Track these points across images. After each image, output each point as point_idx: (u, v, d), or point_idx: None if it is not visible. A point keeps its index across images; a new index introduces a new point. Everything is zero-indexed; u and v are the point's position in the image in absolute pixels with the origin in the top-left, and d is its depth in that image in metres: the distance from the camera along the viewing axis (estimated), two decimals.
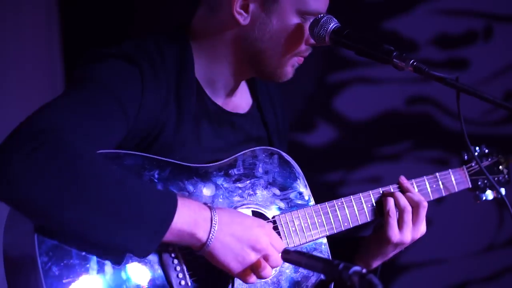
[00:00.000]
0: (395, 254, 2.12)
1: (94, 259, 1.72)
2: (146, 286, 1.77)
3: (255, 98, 2.16)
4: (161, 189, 1.82)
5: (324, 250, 2.02)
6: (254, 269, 1.81)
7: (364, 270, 1.55)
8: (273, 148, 2.03)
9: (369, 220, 2.09)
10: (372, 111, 3.63)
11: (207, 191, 1.89)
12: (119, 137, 1.81)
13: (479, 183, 2.30)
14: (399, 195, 2.08)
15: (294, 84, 3.45)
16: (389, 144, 3.65)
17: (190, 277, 1.82)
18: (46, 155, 1.61)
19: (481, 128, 3.56)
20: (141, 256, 1.73)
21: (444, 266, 3.65)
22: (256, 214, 1.95)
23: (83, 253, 1.71)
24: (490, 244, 3.63)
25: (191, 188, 1.87)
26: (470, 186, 2.29)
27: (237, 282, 1.86)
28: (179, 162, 1.87)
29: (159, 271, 1.79)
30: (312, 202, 2.03)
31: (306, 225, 1.98)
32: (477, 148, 2.32)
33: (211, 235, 1.75)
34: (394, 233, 2.04)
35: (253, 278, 1.81)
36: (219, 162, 1.94)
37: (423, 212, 2.07)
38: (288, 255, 1.80)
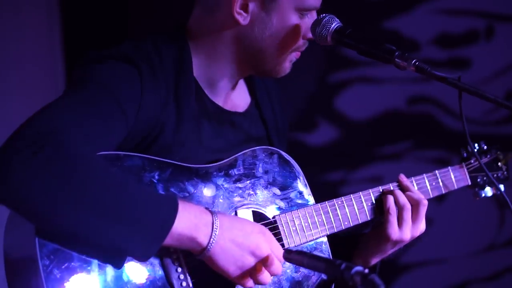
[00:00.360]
0: (394, 251, 2.13)
1: (95, 261, 1.71)
2: (147, 287, 1.77)
3: (254, 96, 2.16)
4: (162, 193, 1.82)
5: (324, 249, 2.02)
6: (253, 275, 1.80)
7: (366, 270, 1.55)
8: (273, 148, 2.03)
9: (369, 218, 2.09)
10: (373, 110, 3.62)
11: (207, 191, 1.89)
12: (119, 138, 1.80)
13: (479, 180, 2.30)
14: (399, 193, 2.08)
15: (296, 84, 3.47)
16: (390, 144, 3.65)
17: (191, 278, 1.81)
18: (47, 158, 1.60)
19: (482, 128, 3.56)
20: (141, 260, 1.72)
21: (444, 266, 3.65)
22: (257, 214, 1.95)
23: (84, 256, 1.70)
24: (490, 244, 3.63)
25: (191, 189, 1.87)
26: (470, 183, 2.30)
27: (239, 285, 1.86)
28: (179, 163, 1.87)
29: (160, 273, 1.78)
30: (312, 201, 2.03)
31: (306, 224, 1.98)
32: (476, 145, 2.32)
33: (211, 239, 1.75)
34: (394, 231, 2.05)
35: (251, 284, 1.81)
36: (219, 163, 1.94)
37: (423, 210, 2.07)
38: (289, 255, 1.79)
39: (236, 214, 1.91)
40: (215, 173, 1.91)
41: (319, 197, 2.05)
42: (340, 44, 1.98)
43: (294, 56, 2.02)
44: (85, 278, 1.69)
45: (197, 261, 1.81)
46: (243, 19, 1.95)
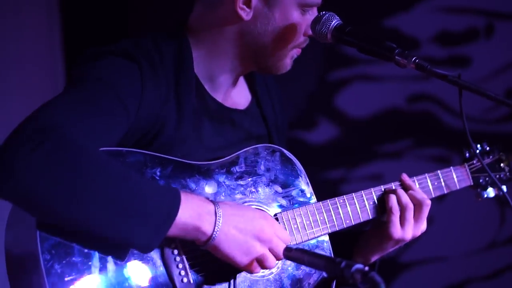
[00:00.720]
0: (394, 249, 2.13)
1: (96, 256, 1.71)
2: (148, 284, 1.77)
3: (254, 94, 2.16)
4: (164, 185, 1.82)
5: (326, 248, 2.02)
6: (259, 260, 1.81)
7: (366, 268, 1.55)
8: (275, 146, 2.03)
9: (370, 217, 2.09)
10: (373, 108, 3.62)
11: (209, 188, 1.89)
12: (120, 133, 1.80)
13: (481, 180, 2.30)
14: (401, 192, 2.07)
15: (296, 82, 3.47)
16: (390, 142, 3.65)
17: (193, 274, 1.82)
18: (48, 152, 1.61)
19: (482, 126, 3.56)
20: (145, 251, 1.73)
21: (445, 264, 3.65)
22: None
23: (86, 251, 1.70)
24: (491, 242, 3.63)
25: (193, 185, 1.87)
26: (472, 183, 2.29)
27: (239, 279, 1.86)
28: (181, 160, 1.87)
29: (161, 268, 1.79)
30: (314, 199, 2.03)
31: (308, 222, 1.98)
32: (478, 145, 2.32)
33: (216, 228, 1.75)
34: (396, 230, 2.05)
35: (257, 269, 1.82)
36: (221, 160, 1.94)
37: (426, 210, 2.07)
38: (290, 253, 1.80)
39: None
40: (216, 170, 1.91)
41: (320, 195, 2.05)
42: (340, 41, 1.98)
43: (295, 52, 2.03)
44: (86, 273, 1.69)
45: (198, 256, 1.82)
46: (246, 14, 1.95)
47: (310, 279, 1.98)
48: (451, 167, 2.25)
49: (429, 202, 2.08)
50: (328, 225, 2.01)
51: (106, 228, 1.66)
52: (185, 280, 1.81)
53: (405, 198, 2.07)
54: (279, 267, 1.94)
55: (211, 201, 1.79)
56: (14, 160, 1.59)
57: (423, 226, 2.08)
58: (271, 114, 2.18)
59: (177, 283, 1.80)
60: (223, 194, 1.90)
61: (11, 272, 1.73)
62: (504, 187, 2.29)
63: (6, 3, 3.41)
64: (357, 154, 3.65)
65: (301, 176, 2.03)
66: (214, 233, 1.76)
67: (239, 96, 2.12)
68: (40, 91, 3.54)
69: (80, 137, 1.67)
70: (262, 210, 1.94)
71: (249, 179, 1.95)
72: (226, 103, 2.06)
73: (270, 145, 2.03)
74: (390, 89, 3.60)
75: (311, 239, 1.99)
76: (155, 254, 1.78)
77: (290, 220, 1.96)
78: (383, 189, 2.10)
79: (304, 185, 2.02)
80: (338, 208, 2.03)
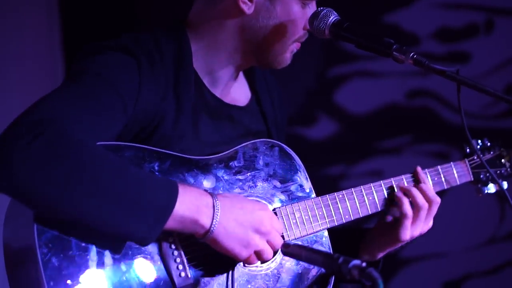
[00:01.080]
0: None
1: (94, 250, 1.71)
2: (146, 278, 1.77)
3: (254, 92, 2.16)
4: (162, 177, 1.82)
5: (325, 243, 2.02)
6: (258, 252, 1.82)
7: (363, 264, 1.55)
8: (274, 141, 2.03)
9: (370, 212, 2.09)
10: (372, 104, 3.63)
11: (207, 183, 1.89)
12: (118, 128, 1.81)
13: (481, 176, 2.30)
14: (416, 192, 2.06)
15: (295, 78, 3.47)
16: (389, 138, 3.65)
17: (190, 268, 1.82)
18: (45, 144, 1.61)
19: (481, 122, 3.56)
20: (142, 244, 1.73)
21: (445, 260, 3.65)
22: None
23: (83, 244, 1.71)
24: (491, 238, 3.63)
25: (191, 180, 1.87)
26: (472, 179, 2.29)
27: (237, 273, 1.87)
28: (179, 154, 1.87)
29: (159, 263, 1.79)
30: (313, 194, 2.03)
31: (306, 217, 1.98)
32: (479, 141, 2.32)
33: (214, 221, 1.75)
34: (407, 233, 2.05)
35: (255, 261, 1.83)
36: (220, 154, 1.94)
37: (436, 208, 2.07)
38: (288, 249, 1.80)
39: None
40: (215, 165, 1.92)
41: (319, 191, 2.05)
42: (338, 37, 1.98)
43: (295, 46, 2.03)
44: (83, 267, 1.69)
45: (195, 251, 1.82)
46: (247, 8, 1.95)
47: (308, 274, 1.98)
48: (451, 163, 2.25)
49: (439, 200, 2.07)
50: (327, 220, 2.01)
51: (102, 220, 1.66)
52: (182, 274, 1.81)
53: (420, 199, 2.05)
54: (277, 262, 1.94)
55: (210, 193, 1.79)
56: (11, 153, 1.59)
57: (430, 223, 2.09)
58: (270, 111, 2.18)
59: (175, 278, 1.80)
60: (221, 188, 1.90)
61: (9, 266, 1.73)
62: (505, 183, 2.29)
63: (6, 2, 3.42)
64: (356, 150, 3.65)
65: (300, 171, 2.03)
66: (212, 226, 1.76)
67: (239, 93, 2.12)
68: (40, 89, 3.52)
69: (77, 131, 1.67)
70: (260, 201, 1.94)
71: (248, 174, 1.96)
72: (226, 99, 2.06)
73: (269, 140, 2.03)
74: (390, 85, 3.60)
75: (310, 234, 1.99)
76: (152, 248, 1.79)
77: (289, 214, 1.96)
78: (393, 183, 2.10)
79: (303, 180, 2.03)
80: (337, 203, 2.03)
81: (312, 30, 2.00)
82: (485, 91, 1.92)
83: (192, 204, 1.74)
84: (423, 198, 2.05)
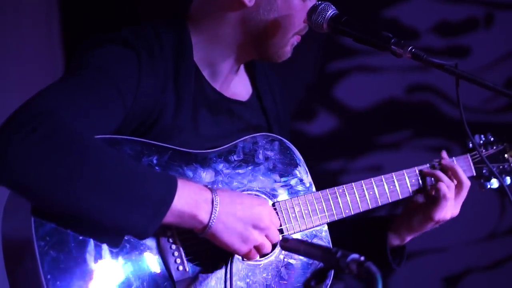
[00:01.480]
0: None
1: (91, 243, 1.71)
2: (143, 271, 1.77)
3: (255, 88, 2.16)
4: (161, 172, 1.82)
5: (324, 237, 2.02)
6: (257, 247, 1.82)
7: (362, 258, 1.55)
8: (274, 135, 2.03)
9: (370, 207, 2.09)
10: (372, 99, 3.62)
11: (206, 177, 1.89)
12: (116, 122, 1.81)
13: (484, 171, 2.30)
14: (459, 171, 2.13)
15: (294, 73, 3.46)
16: (389, 133, 3.65)
17: (188, 262, 1.82)
18: (43, 137, 1.61)
19: (481, 116, 3.56)
20: (140, 238, 1.73)
21: (445, 255, 3.65)
22: None
23: (81, 237, 1.71)
24: (491, 233, 3.63)
25: (190, 173, 1.87)
26: (474, 174, 2.29)
27: (235, 267, 1.87)
28: (178, 148, 1.87)
29: (157, 257, 1.79)
30: (313, 189, 2.03)
31: (306, 211, 1.98)
32: (482, 136, 2.32)
33: (212, 216, 1.76)
34: (443, 214, 2.10)
35: (255, 256, 1.84)
36: (219, 148, 1.94)
37: (465, 192, 2.14)
38: (286, 243, 1.80)
39: None
40: (214, 158, 1.91)
41: (319, 186, 2.05)
42: (336, 31, 1.97)
43: (295, 39, 2.03)
44: (81, 260, 1.69)
45: (193, 245, 1.82)
46: (249, 0, 1.95)
47: (307, 269, 1.98)
48: (454, 157, 2.25)
49: (469, 183, 2.14)
50: (327, 214, 2.01)
51: (100, 213, 1.65)
52: (180, 268, 1.81)
53: (461, 175, 2.12)
54: (276, 256, 1.94)
55: (209, 188, 1.79)
56: (9, 144, 1.59)
57: (458, 208, 2.15)
58: (272, 107, 2.18)
59: (173, 271, 1.80)
60: (220, 182, 1.90)
61: (7, 259, 1.73)
62: (508, 178, 2.29)
63: (6, 2, 3.41)
64: (356, 145, 3.65)
65: (300, 165, 2.03)
66: (211, 221, 1.76)
67: (239, 88, 2.12)
68: (39, 89, 3.53)
69: (76, 124, 1.67)
70: (259, 196, 1.94)
71: (248, 168, 1.96)
72: (226, 93, 2.06)
73: (268, 134, 2.03)
74: (389, 80, 3.59)
75: (310, 228, 1.99)
76: (150, 242, 1.79)
77: (289, 209, 1.97)
78: (383, 179, 2.10)
79: (303, 174, 2.03)
80: (337, 198, 2.03)
81: (310, 24, 1.99)
82: (484, 85, 1.91)
83: (191, 199, 1.74)
84: (462, 176, 2.13)
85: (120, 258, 1.75)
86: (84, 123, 1.70)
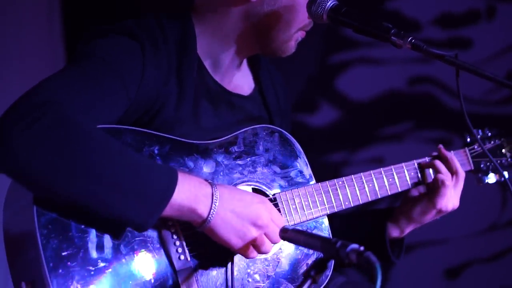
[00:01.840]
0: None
1: (93, 232, 1.72)
2: (145, 261, 1.78)
3: (257, 82, 2.16)
4: (162, 164, 1.82)
5: (324, 229, 2.03)
6: (255, 244, 1.82)
7: (361, 248, 1.55)
8: (274, 127, 2.04)
9: (370, 199, 2.10)
10: (374, 91, 3.62)
11: (207, 168, 1.90)
12: (119, 112, 1.81)
13: (482, 165, 2.30)
14: (455, 161, 2.15)
15: (296, 65, 3.46)
16: (391, 125, 3.64)
17: (189, 252, 1.83)
18: (46, 126, 1.61)
19: (482, 108, 3.55)
20: (139, 230, 1.73)
21: (446, 247, 3.65)
22: (257, 191, 1.96)
23: (83, 226, 1.71)
24: (492, 225, 3.63)
25: (191, 164, 1.88)
26: (472, 168, 2.30)
27: (237, 257, 1.87)
28: (179, 139, 1.88)
29: (158, 246, 1.79)
30: (313, 180, 2.04)
31: (306, 203, 1.99)
32: (479, 130, 2.32)
33: (212, 211, 1.76)
34: (444, 202, 2.12)
35: (253, 254, 1.83)
36: (220, 140, 1.94)
37: (462, 183, 2.16)
38: (286, 234, 1.80)
39: None
40: (215, 149, 1.92)
41: (321, 178, 2.05)
42: (335, 22, 1.97)
43: (299, 35, 2.03)
44: (83, 249, 1.70)
45: (195, 234, 1.82)
46: None
47: (308, 260, 1.99)
48: (452, 151, 2.26)
49: (463, 174, 2.16)
50: (327, 206, 2.02)
51: (100, 204, 1.66)
52: (182, 257, 1.82)
53: (461, 169, 2.15)
54: (277, 247, 1.94)
55: (210, 183, 1.79)
56: (11, 134, 1.60)
57: (457, 200, 2.16)
58: (274, 102, 2.18)
59: (174, 261, 1.80)
60: (221, 173, 1.91)
61: (9, 247, 1.74)
62: (505, 173, 2.30)
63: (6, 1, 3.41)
64: (358, 137, 3.65)
65: (300, 157, 2.03)
66: (210, 216, 1.76)
67: (242, 82, 2.12)
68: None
69: (78, 113, 1.67)
70: (260, 194, 1.94)
71: (248, 159, 1.96)
72: (228, 87, 2.06)
73: (269, 126, 2.03)
74: (391, 72, 3.59)
75: (310, 219, 2.00)
76: (152, 232, 1.79)
77: (289, 200, 1.97)
78: (382, 172, 2.11)
79: (303, 166, 2.03)
80: (337, 190, 2.04)
81: (310, 15, 1.99)
82: (485, 75, 1.91)
83: (190, 192, 1.74)
84: (458, 166, 2.15)
85: (121, 248, 1.75)
86: (86, 114, 1.70)
